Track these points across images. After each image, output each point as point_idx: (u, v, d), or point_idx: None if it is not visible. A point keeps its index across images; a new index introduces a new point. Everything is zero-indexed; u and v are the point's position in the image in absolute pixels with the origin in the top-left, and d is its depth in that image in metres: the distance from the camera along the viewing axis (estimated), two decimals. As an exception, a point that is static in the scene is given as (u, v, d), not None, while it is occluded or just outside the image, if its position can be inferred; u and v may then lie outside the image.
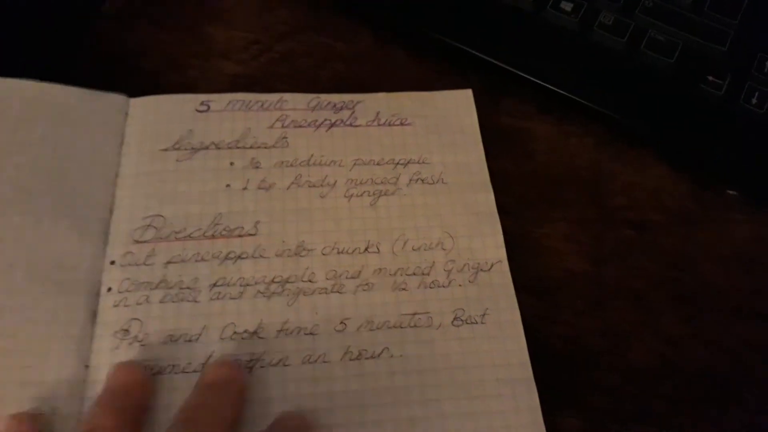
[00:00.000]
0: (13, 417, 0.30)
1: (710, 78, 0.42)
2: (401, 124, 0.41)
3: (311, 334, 0.34)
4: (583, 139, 0.43)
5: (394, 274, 0.36)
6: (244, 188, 0.37)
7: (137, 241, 0.35)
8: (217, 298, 0.34)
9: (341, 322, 0.35)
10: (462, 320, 0.36)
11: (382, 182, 0.39)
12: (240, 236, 0.36)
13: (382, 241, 0.37)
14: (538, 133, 0.43)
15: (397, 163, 0.40)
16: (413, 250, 0.37)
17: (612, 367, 0.36)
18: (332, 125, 0.40)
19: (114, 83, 0.40)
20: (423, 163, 0.40)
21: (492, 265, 0.37)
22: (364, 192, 0.38)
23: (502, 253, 0.38)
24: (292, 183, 0.38)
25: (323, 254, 0.36)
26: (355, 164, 0.39)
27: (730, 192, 0.42)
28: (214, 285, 0.35)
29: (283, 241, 0.36)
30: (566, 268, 0.39)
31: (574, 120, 0.43)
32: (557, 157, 0.43)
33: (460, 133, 0.41)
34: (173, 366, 0.33)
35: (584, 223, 0.40)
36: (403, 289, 0.36)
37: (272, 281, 0.35)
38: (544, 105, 0.43)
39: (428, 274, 0.37)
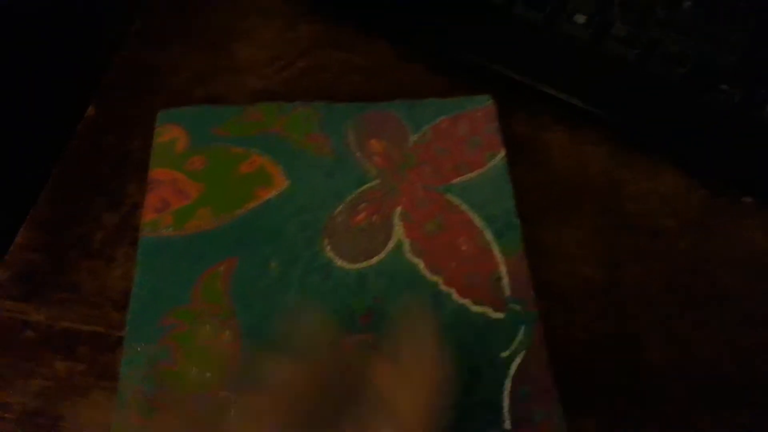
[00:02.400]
0: None
1: (723, 87, 0.43)
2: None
3: None
4: (597, 147, 0.44)
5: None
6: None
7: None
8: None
9: None
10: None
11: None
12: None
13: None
14: (552, 143, 0.44)
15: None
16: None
17: (626, 370, 0.36)
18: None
19: (144, 98, 0.42)
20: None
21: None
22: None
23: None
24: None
25: None
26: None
27: (745, 199, 0.42)
28: None
29: None
30: (581, 273, 0.39)
31: (588, 129, 0.44)
32: (571, 165, 0.43)
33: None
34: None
35: (599, 230, 0.41)
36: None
37: None
38: (558, 115, 0.44)
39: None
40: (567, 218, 0.41)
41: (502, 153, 0.40)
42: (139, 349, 0.35)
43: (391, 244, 0.38)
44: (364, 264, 0.37)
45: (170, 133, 0.41)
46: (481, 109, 0.42)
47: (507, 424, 0.33)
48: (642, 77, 0.44)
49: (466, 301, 0.36)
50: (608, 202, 0.42)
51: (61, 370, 0.36)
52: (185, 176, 0.40)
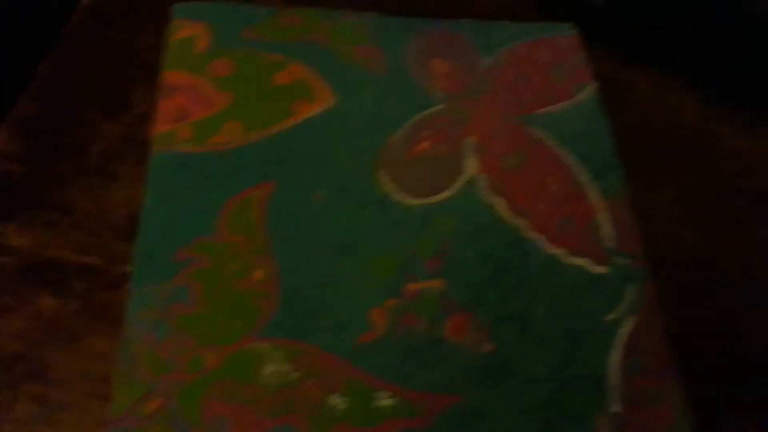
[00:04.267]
0: None
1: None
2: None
3: None
4: (688, 95, 0.38)
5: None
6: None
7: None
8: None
9: None
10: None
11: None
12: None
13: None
14: (636, 85, 0.38)
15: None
16: None
17: (723, 351, 0.31)
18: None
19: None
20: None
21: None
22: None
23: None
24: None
25: None
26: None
27: None
28: None
29: None
30: (674, 238, 0.33)
31: (678, 73, 0.38)
32: (659, 113, 0.37)
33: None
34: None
35: (691, 189, 0.35)
36: None
37: None
38: (644, 54, 0.38)
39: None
40: (654, 173, 0.35)
41: (593, 86, 0.34)
42: (149, 288, 0.27)
43: (462, 179, 0.31)
44: (429, 200, 0.30)
45: (189, 29, 0.34)
46: (565, 37, 0.36)
47: (615, 406, 0.26)
48: (744, 16, 0.38)
49: (559, 251, 0.29)
50: (702, 158, 0.36)
51: (47, 308, 0.28)
52: (208, 82, 0.32)
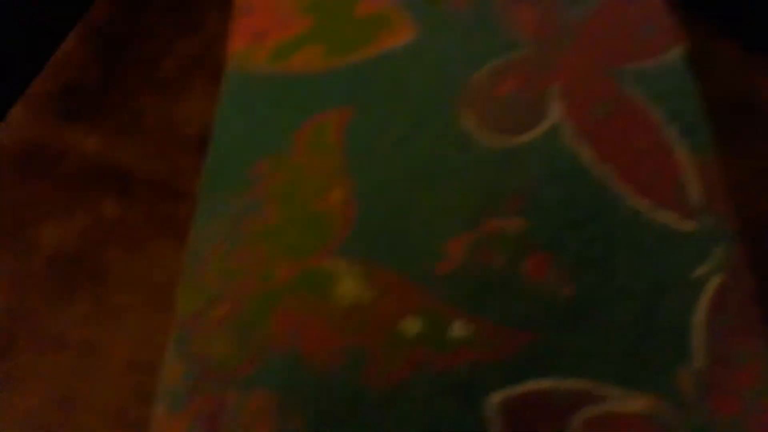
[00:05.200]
0: None
1: None
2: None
3: None
4: (770, 72, 0.36)
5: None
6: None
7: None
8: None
9: None
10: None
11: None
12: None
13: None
14: (718, 56, 0.36)
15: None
16: None
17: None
18: None
19: None
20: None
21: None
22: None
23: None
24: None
25: None
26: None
27: None
28: None
29: None
30: (756, 207, 0.32)
31: (763, 50, 0.36)
32: (740, 88, 0.36)
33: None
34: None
35: (770, 164, 0.33)
36: None
37: None
38: (731, 28, 0.37)
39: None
40: (735, 143, 0.34)
41: (683, 45, 0.32)
42: (220, 198, 0.26)
43: (546, 124, 0.29)
44: (511, 141, 0.29)
45: (273, -49, 0.33)
46: None
47: (699, 361, 0.25)
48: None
49: (645, 203, 0.28)
50: (780, 134, 0.34)
51: (110, 211, 0.27)
52: (288, 3, 0.31)
